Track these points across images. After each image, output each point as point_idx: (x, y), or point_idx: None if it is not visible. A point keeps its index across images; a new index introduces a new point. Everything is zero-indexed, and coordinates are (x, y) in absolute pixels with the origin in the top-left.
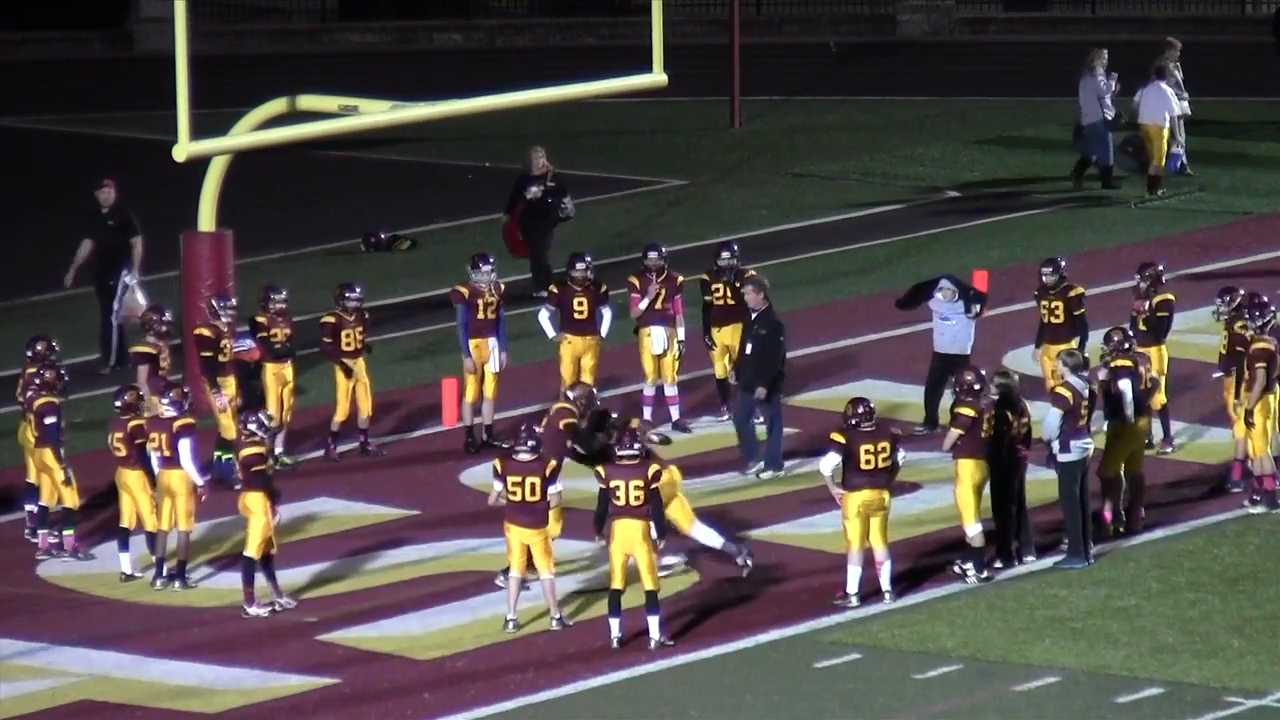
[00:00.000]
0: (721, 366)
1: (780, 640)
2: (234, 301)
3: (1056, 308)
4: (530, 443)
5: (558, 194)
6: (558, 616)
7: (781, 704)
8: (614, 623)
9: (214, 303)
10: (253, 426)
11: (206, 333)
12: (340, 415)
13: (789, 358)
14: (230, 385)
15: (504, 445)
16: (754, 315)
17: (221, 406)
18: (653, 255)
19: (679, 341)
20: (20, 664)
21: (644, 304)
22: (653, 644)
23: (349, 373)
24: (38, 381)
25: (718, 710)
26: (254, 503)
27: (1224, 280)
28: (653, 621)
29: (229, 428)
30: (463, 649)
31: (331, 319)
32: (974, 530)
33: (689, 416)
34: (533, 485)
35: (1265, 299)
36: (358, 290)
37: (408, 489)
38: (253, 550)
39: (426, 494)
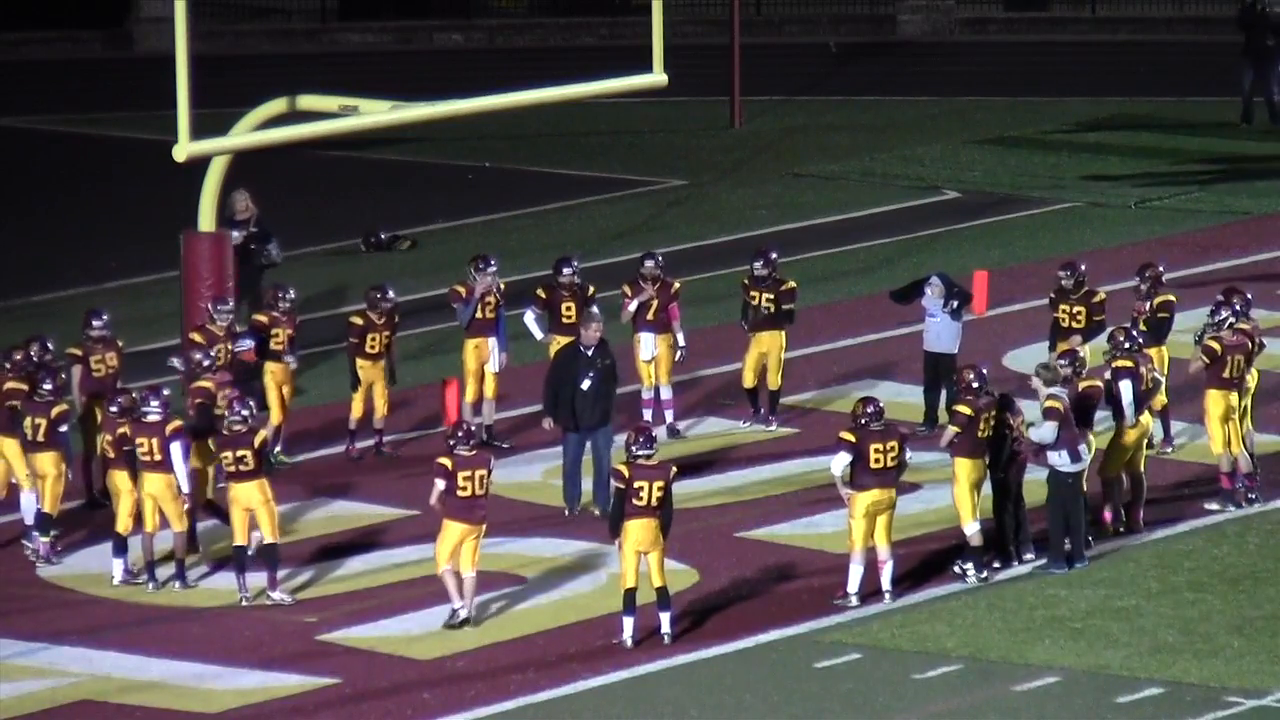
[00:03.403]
0: (752, 375)
1: (780, 640)
2: (230, 304)
3: (1079, 313)
4: (470, 440)
5: (261, 239)
6: (470, 615)
7: (781, 704)
8: (628, 621)
9: (209, 307)
10: (245, 413)
11: (198, 338)
12: (356, 414)
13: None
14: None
15: (451, 444)
16: (590, 351)
17: None
18: (649, 264)
19: (680, 348)
20: (20, 664)
21: (633, 306)
22: (666, 640)
23: (354, 384)
24: (48, 387)
25: (718, 710)
26: (263, 489)
27: (1224, 281)
28: (665, 618)
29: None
30: (463, 649)
31: (360, 320)
32: (972, 529)
33: (682, 418)
34: (481, 478)
35: (1223, 300)
36: (390, 293)
37: (408, 489)
38: (275, 535)
39: (427, 494)
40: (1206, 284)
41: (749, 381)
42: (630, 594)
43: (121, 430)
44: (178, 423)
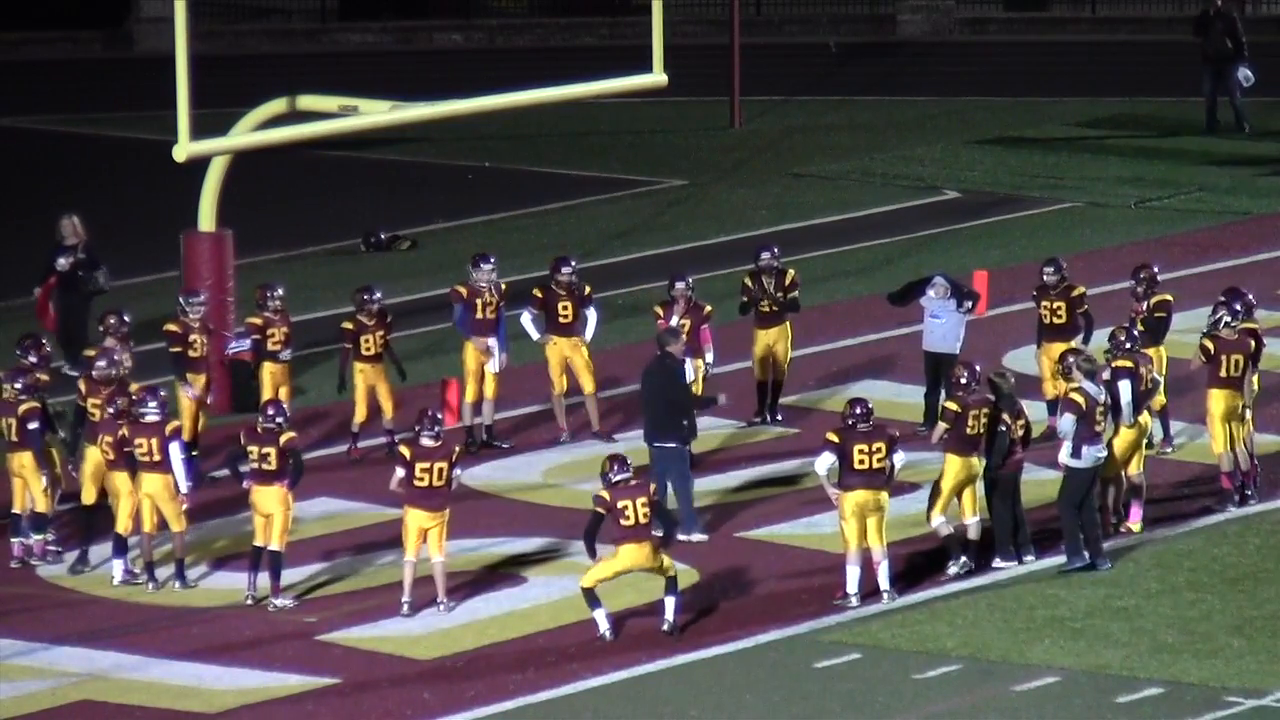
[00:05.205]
0: (761, 369)
1: (780, 640)
2: (203, 298)
3: (1059, 308)
4: (435, 429)
5: (88, 266)
6: (445, 601)
7: (781, 704)
8: (599, 614)
9: (181, 300)
10: (281, 420)
11: (174, 328)
12: (359, 416)
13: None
14: (199, 382)
15: (417, 430)
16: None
17: (193, 397)
18: (680, 285)
19: (706, 364)
20: (20, 664)
21: (673, 323)
22: (666, 626)
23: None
24: (18, 385)
25: (718, 710)
26: (284, 499)
27: (1224, 280)
28: (669, 603)
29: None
30: (463, 649)
31: (351, 325)
32: (938, 521)
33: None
34: (440, 470)
35: (1223, 299)
36: (377, 294)
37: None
38: (282, 544)
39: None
40: (1207, 289)
41: (760, 375)
42: (588, 591)
43: (121, 431)
44: (176, 423)
